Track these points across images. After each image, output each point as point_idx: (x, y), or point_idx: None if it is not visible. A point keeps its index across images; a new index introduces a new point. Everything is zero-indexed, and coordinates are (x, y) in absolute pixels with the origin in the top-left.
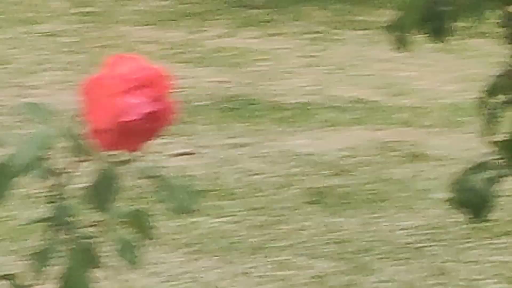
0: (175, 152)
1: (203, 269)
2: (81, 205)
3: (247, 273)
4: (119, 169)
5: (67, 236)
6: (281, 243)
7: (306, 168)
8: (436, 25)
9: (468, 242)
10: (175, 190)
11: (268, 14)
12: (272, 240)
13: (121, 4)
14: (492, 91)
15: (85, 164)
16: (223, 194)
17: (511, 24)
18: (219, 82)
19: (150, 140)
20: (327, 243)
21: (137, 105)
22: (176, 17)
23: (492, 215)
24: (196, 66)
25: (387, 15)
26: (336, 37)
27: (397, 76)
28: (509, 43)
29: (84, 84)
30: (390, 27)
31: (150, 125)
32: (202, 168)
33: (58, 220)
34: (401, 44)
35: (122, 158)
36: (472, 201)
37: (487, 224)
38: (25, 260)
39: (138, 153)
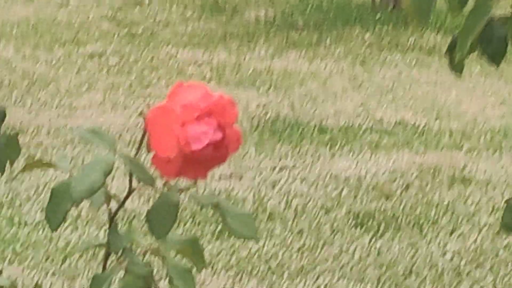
0: (221, 173)
1: None
2: (135, 233)
3: None
4: (179, 196)
5: (123, 263)
6: (324, 266)
7: (350, 191)
8: (493, 49)
9: None
10: (239, 218)
11: (314, 36)
12: (316, 263)
13: (167, 26)
14: None
15: (144, 191)
16: (267, 216)
17: None
18: (265, 104)
19: (214, 168)
20: (371, 267)
21: (204, 134)
22: (222, 38)
23: None
24: (241, 88)
25: (431, 37)
26: (381, 59)
27: (442, 99)
28: None
29: (149, 112)
30: (449, 51)
31: (215, 154)
32: (247, 190)
33: (114, 247)
34: (457, 68)
35: (183, 185)
36: None
37: None
38: (69, 282)
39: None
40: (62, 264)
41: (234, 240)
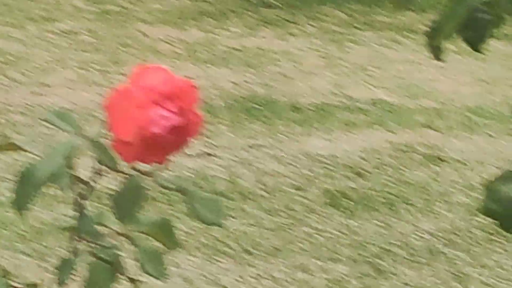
0: (194, 152)
1: (220, 271)
2: (106, 215)
3: (264, 276)
4: (144, 179)
5: (91, 246)
6: (298, 246)
7: (324, 170)
8: (475, 33)
9: (487, 246)
10: (205, 202)
11: (288, 14)
12: (289, 242)
13: (140, 3)
14: None
15: (111, 174)
16: (241, 195)
17: None
18: (238, 82)
19: (176, 152)
20: (345, 246)
21: (164, 118)
22: (196, 16)
23: None
24: (215, 66)
25: (406, 16)
26: (355, 37)
27: (417, 77)
28: None
29: (110, 95)
30: (429, 34)
31: (176, 138)
32: (220, 169)
33: (82, 230)
34: (438, 51)
35: (148, 169)
36: (509, 213)
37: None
38: (40, 262)
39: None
40: (34, 243)
41: None
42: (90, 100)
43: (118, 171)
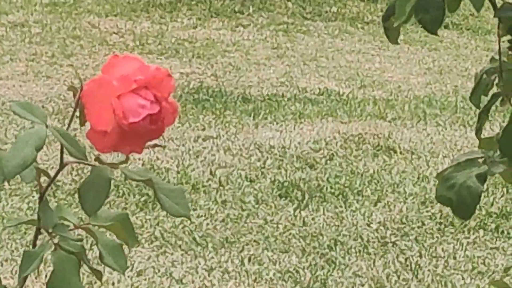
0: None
1: (170, 263)
2: (64, 209)
3: (215, 267)
4: (110, 171)
5: (54, 239)
6: (249, 237)
7: (275, 161)
8: (430, 17)
9: (439, 236)
10: (170, 194)
11: (238, 5)
12: (240, 234)
13: None
14: (483, 87)
15: (76, 165)
16: (192, 187)
17: (508, 16)
18: (188, 73)
19: (150, 141)
20: (297, 238)
21: (141, 107)
22: (145, 7)
23: None
24: (165, 57)
25: (356, 6)
26: (305, 28)
27: (366, 68)
28: (503, 36)
29: (85, 85)
30: (384, 17)
31: (152, 127)
32: (170, 160)
33: (45, 223)
34: (393, 36)
35: (115, 160)
36: (462, 200)
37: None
38: None
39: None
40: None
41: (158, 212)
42: (40, 92)
43: (86, 163)
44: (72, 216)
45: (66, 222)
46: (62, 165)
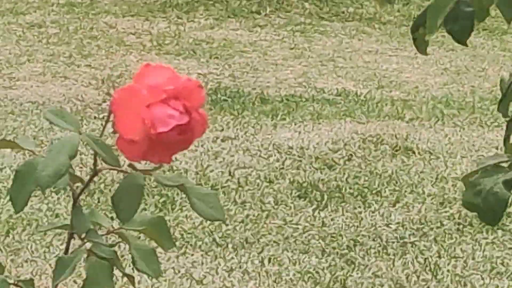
0: None
1: (190, 264)
2: (96, 213)
3: (234, 268)
4: (143, 178)
5: (88, 244)
6: (268, 238)
7: (294, 161)
8: (459, 27)
9: (458, 237)
10: (203, 197)
11: (255, 5)
12: (260, 235)
13: None
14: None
15: (109, 172)
16: (211, 188)
17: None
18: (206, 74)
19: (180, 151)
20: (316, 238)
21: (170, 117)
22: (162, 8)
23: None
24: (181, 58)
25: (373, 7)
26: (322, 28)
27: (384, 68)
28: None
29: (115, 93)
30: (413, 28)
31: (180, 137)
32: (189, 161)
33: (78, 228)
34: (423, 45)
35: (148, 167)
36: (489, 206)
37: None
38: (14, 257)
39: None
40: (5, 237)
41: (178, 213)
42: (58, 93)
43: (119, 170)
44: (104, 220)
45: (101, 228)
46: (96, 172)
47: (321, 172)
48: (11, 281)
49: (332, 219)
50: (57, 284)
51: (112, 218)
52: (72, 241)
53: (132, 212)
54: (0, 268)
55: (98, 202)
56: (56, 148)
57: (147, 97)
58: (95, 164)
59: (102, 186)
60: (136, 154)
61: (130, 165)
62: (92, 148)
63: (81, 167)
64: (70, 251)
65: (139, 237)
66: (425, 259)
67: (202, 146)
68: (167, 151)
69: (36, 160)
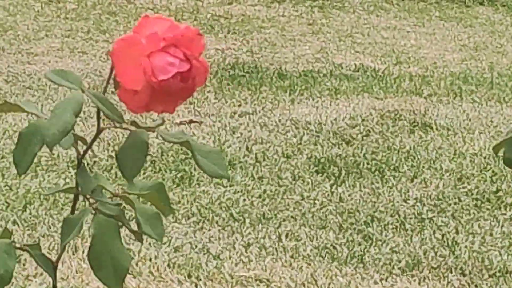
0: (181, 120)
1: (207, 239)
2: (100, 178)
3: (252, 243)
4: (147, 134)
5: (93, 204)
6: (286, 213)
7: (312, 137)
8: None
9: (475, 213)
10: (208, 155)
11: None
12: (277, 210)
13: None
14: None
15: (113, 141)
16: (229, 163)
17: None
18: (224, 49)
19: (183, 100)
20: (333, 214)
21: (170, 64)
22: None
23: (502, 185)
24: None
25: None
26: (340, 4)
27: (402, 44)
28: None
29: (114, 45)
30: None
31: (182, 85)
32: (207, 136)
33: (84, 189)
34: None
35: (151, 124)
36: None
37: (497, 194)
38: (30, 231)
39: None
40: (22, 212)
41: (195, 188)
42: (76, 68)
43: (122, 127)
44: (109, 185)
45: (105, 189)
46: (99, 131)
47: (338, 148)
48: (18, 246)
49: (349, 195)
50: (65, 244)
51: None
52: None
53: (137, 169)
54: (7, 233)
55: (116, 177)
56: (61, 106)
57: (147, 46)
58: (98, 122)
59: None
60: (139, 104)
61: (132, 123)
62: (96, 104)
63: (91, 137)
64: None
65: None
66: (443, 235)
67: (219, 121)
68: (169, 100)
69: (40, 122)
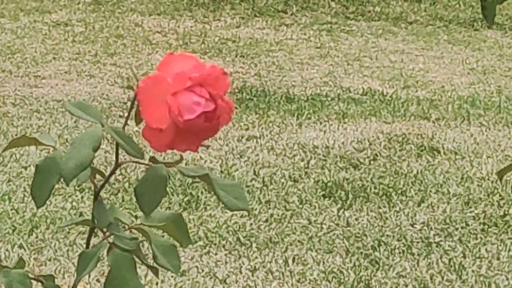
0: None
1: (214, 263)
2: (116, 209)
3: (259, 268)
4: (166, 170)
5: (110, 238)
6: (294, 238)
7: (319, 161)
8: None
9: (482, 237)
10: (228, 189)
11: (281, 4)
12: (285, 234)
13: None
14: None
15: (134, 171)
16: None
17: None
18: (232, 72)
19: (206, 139)
20: (340, 238)
21: (196, 104)
22: (188, 6)
23: (509, 210)
24: (208, 56)
25: (399, 6)
26: (348, 28)
27: (410, 67)
28: None
29: (141, 82)
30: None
31: (207, 125)
32: (214, 160)
33: (100, 222)
34: (491, 14)
35: (171, 159)
36: None
37: (504, 219)
38: (36, 255)
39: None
40: (29, 236)
41: (202, 212)
42: (83, 91)
43: (141, 162)
44: (125, 217)
45: (122, 222)
46: (117, 165)
47: (346, 172)
48: (32, 276)
49: (356, 219)
50: (80, 278)
51: (136, 217)
52: (92, 239)
53: (155, 204)
54: (21, 263)
55: (122, 201)
56: (80, 140)
57: (173, 85)
58: (117, 157)
59: (126, 185)
60: (163, 143)
61: (151, 158)
62: (115, 139)
63: (105, 166)
64: (91, 246)
65: (159, 235)
66: (450, 259)
67: (227, 145)
68: (193, 139)
69: (58, 155)
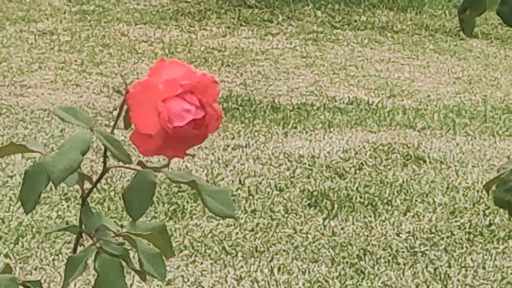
0: None
1: (200, 272)
2: (103, 216)
3: (245, 277)
4: (154, 175)
5: (97, 244)
6: (279, 247)
7: (305, 170)
8: (509, 9)
9: (468, 246)
10: (215, 195)
11: (267, 14)
12: (270, 243)
13: (119, 3)
14: None
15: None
16: None
17: None
18: (217, 82)
19: (194, 146)
20: (326, 247)
21: (186, 111)
22: (174, 16)
23: (495, 219)
24: (193, 66)
25: (385, 16)
26: (334, 37)
27: (396, 77)
28: None
29: (131, 88)
30: (460, 10)
31: (196, 132)
32: (200, 169)
33: (87, 227)
34: (469, 28)
35: (158, 164)
36: None
37: (490, 228)
38: (22, 265)
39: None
40: (14, 245)
41: (187, 221)
42: (69, 100)
43: (129, 167)
44: (111, 225)
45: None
46: (105, 170)
47: (331, 181)
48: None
49: (342, 228)
50: (69, 283)
51: (121, 226)
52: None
53: (143, 209)
54: (8, 269)
55: (108, 210)
56: (68, 144)
57: (163, 91)
58: (104, 161)
59: (112, 194)
60: (151, 148)
61: (139, 163)
62: (103, 143)
63: (91, 175)
64: (78, 252)
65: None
66: (435, 268)
67: (213, 154)
68: (181, 145)
69: (45, 160)
